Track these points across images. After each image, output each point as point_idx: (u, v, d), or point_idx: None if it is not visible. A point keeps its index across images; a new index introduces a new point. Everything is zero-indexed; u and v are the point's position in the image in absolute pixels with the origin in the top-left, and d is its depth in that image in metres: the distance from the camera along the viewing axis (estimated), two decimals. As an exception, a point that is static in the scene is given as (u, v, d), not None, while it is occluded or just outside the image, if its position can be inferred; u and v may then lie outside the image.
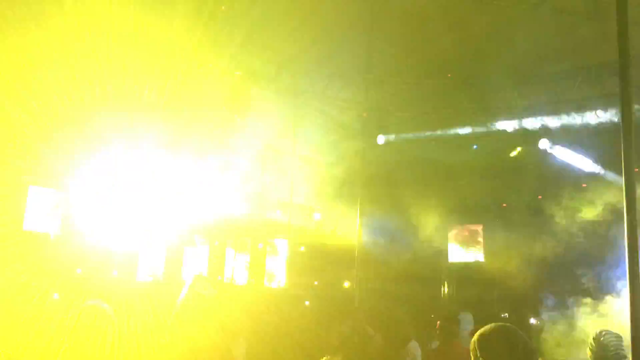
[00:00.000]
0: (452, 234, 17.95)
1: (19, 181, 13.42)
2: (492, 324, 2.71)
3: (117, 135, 13.23)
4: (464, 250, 17.61)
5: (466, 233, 17.66)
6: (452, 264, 18.19)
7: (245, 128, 13.34)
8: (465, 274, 17.96)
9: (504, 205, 15.69)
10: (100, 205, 17.69)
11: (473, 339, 2.67)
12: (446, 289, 18.39)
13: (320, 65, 10.00)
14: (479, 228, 17.21)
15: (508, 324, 2.75)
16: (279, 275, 22.82)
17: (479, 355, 2.62)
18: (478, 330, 2.72)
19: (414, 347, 6.69)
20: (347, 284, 21.86)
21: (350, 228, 18.44)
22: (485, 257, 17.02)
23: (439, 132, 13.25)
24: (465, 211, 17.40)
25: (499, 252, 16.64)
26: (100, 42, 9.04)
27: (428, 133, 13.49)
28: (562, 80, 11.89)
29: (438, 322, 5.73)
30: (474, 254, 17.34)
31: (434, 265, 18.64)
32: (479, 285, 17.35)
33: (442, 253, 18.25)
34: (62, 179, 15.08)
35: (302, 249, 21.29)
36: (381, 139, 13.59)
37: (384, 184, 16.38)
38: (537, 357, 2.63)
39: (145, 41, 8.98)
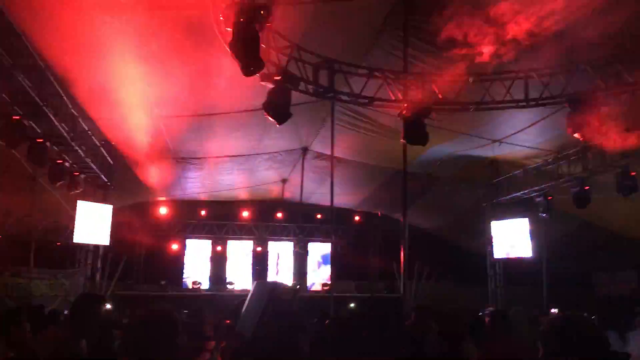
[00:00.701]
0: (496, 228, 17.72)
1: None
2: (562, 313, 2.67)
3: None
4: (509, 245, 17.35)
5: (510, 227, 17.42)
6: (498, 260, 17.95)
7: (284, 132, 13.45)
8: (512, 269, 17.76)
9: (550, 197, 15.40)
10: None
11: (547, 324, 2.63)
12: (493, 285, 18.15)
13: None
14: (525, 222, 16.92)
15: (578, 314, 2.70)
16: (324, 276, 22.93)
17: (547, 344, 2.57)
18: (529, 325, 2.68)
19: (469, 342, 6.63)
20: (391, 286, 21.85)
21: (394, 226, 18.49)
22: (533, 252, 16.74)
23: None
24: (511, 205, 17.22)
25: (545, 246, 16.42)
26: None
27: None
28: None
29: (488, 317, 5.66)
30: (519, 250, 17.06)
31: (479, 262, 18.47)
32: (527, 281, 17.14)
33: (487, 249, 18.05)
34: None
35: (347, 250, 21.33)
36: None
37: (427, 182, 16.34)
38: (609, 346, 2.56)
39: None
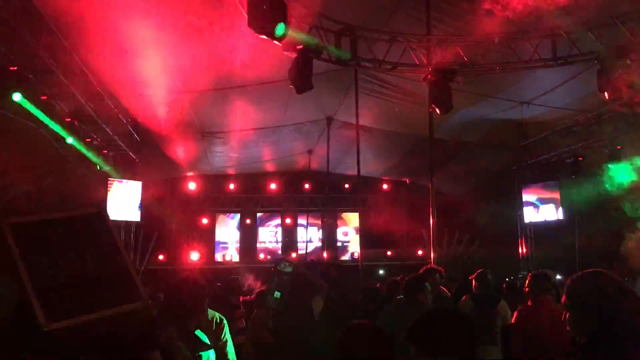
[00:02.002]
0: (525, 192, 17.51)
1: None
2: (588, 270, 2.62)
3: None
4: (540, 208, 17.16)
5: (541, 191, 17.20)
6: (529, 223, 17.78)
7: (309, 102, 13.41)
8: (542, 233, 17.57)
9: (580, 159, 15.12)
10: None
11: (570, 283, 2.59)
12: (524, 249, 18.01)
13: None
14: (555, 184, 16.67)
15: (601, 270, 2.65)
16: (352, 247, 23.08)
17: (568, 299, 2.54)
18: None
19: (504, 306, 6.65)
20: (421, 252, 21.90)
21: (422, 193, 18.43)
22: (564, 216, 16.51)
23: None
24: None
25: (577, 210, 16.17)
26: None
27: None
28: None
29: (527, 279, 5.64)
30: (550, 213, 16.86)
31: (510, 226, 18.34)
32: (558, 244, 16.95)
33: (517, 213, 17.89)
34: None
35: (375, 218, 21.33)
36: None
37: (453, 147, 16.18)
38: (635, 297, 2.50)
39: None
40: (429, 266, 6.89)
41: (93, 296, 3.67)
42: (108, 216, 4.10)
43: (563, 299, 2.63)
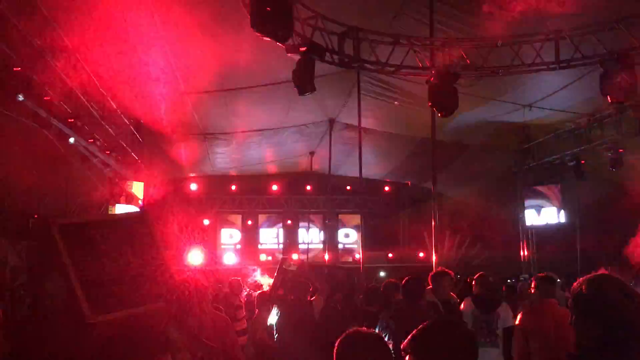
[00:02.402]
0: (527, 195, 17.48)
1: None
2: (596, 274, 2.60)
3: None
4: (541, 212, 17.13)
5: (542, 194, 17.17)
6: (530, 226, 17.74)
7: (311, 104, 13.42)
8: (544, 236, 17.54)
9: (582, 162, 15.10)
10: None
11: (578, 286, 2.57)
12: (525, 252, 17.97)
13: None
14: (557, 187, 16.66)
15: (607, 273, 2.63)
16: (353, 249, 23.08)
17: (573, 303, 2.53)
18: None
19: (505, 308, 6.64)
20: (422, 254, 21.88)
21: (424, 195, 18.42)
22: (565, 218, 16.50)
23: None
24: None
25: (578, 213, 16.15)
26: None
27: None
28: None
29: (534, 281, 5.63)
30: (551, 216, 16.84)
31: (512, 229, 18.31)
32: (560, 247, 16.93)
33: (519, 216, 17.86)
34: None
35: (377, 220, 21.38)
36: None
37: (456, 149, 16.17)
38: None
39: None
40: (439, 269, 6.76)
41: (134, 293, 3.84)
42: (149, 218, 4.31)
43: (569, 302, 2.62)
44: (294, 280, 6.19)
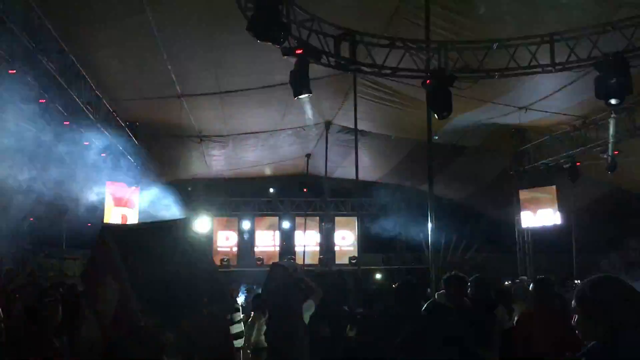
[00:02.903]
0: (523, 197, 17.50)
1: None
2: (599, 275, 2.62)
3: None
4: (537, 213, 17.16)
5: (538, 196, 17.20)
6: (526, 228, 17.76)
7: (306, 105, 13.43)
8: (540, 237, 17.57)
9: (578, 164, 15.13)
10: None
11: (582, 286, 2.58)
12: (521, 254, 17.99)
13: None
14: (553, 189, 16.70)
15: (612, 275, 2.65)
16: (349, 251, 23.04)
17: (589, 302, 2.53)
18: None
19: (501, 311, 6.64)
20: (419, 257, 21.90)
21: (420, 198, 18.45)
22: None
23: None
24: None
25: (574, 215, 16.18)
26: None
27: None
28: None
29: (532, 284, 5.63)
30: (547, 218, 16.86)
31: (508, 231, 18.34)
32: (556, 249, 16.98)
33: (515, 218, 17.88)
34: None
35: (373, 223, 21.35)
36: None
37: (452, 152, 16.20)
38: None
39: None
40: (452, 272, 6.46)
41: (184, 296, 3.95)
42: (193, 224, 4.61)
43: (573, 303, 2.63)
44: (284, 285, 6.10)
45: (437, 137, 12.91)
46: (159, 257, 4.13)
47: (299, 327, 5.89)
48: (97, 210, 15.25)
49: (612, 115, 12.50)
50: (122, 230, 4.24)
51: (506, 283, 12.91)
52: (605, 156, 13.64)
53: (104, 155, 13.51)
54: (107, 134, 12.73)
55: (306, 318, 6.07)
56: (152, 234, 4.37)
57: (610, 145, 13.32)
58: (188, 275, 4.14)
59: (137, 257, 4.02)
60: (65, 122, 11.02)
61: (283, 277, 6.21)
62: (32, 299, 6.03)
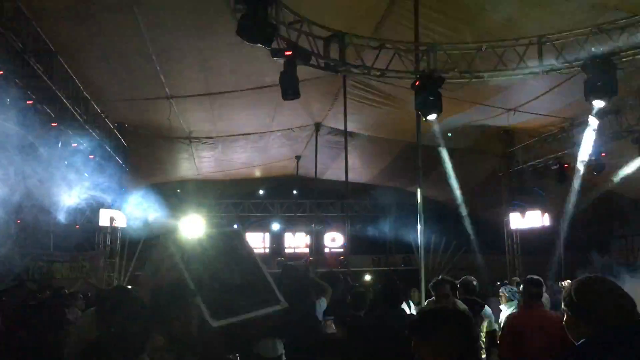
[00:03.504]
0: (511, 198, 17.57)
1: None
2: (588, 275, 2.65)
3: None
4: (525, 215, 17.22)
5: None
6: (515, 230, 17.83)
7: (297, 109, 13.42)
8: (528, 239, 17.64)
9: (566, 165, 15.21)
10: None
11: (569, 288, 2.61)
12: (510, 255, 18.05)
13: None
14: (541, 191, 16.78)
15: (600, 275, 2.68)
16: (340, 252, 23.05)
17: (576, 302, 2.55)
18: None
19: (488, 312, 6.68)
20: (408, 258, 21.97)
21: (410, 199, 18.48)
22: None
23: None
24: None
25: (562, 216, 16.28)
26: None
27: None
28: None
29: (521, 285, 5.65)
30: (535, 219, 16.94)
31: (497, 232, 18.39)
32: (544, 250, 17.05)
33: (503, 220, 17.96)
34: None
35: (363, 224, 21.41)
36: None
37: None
38: (632, 303, 2.53)
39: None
40: (439, 277, 6.51)
41: (242, 299, 4.23)
42: (243, 233, 5.16)
43: (562, 302, 2.66)
44: (297, 284, 6.27)
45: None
46: (216, 263, 4.61)
47: (317, 323, 6.24)
48: (85, 212, 15.16)
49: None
50: (182, 238, 4.81)
51: (497, 284, 12.95)
52: (592, 158, 13.74)
53: (92, 157, 13.42)
54: (95, 135, 12.67)
55: (319, 315, 6.43)
56: (207, 240, 4.79)
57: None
58: (242, 279, 4.63)
59: (197, 262, 4.44)
60: (52, 124, 10.95)
61: (297, 277, 6.66)
62: (20, 302, 6.00)
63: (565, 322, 2.57)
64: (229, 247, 4.90)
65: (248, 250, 5.11)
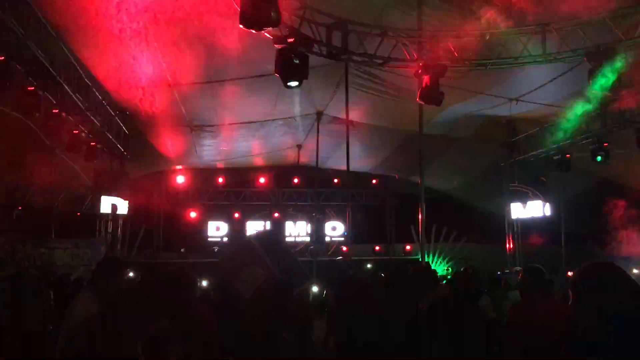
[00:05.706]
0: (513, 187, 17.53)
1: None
2: (594, 261, 2.65)
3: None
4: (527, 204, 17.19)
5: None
6: (516, 219, 17.81)
7: (299, 97, 13.39)
8: (529, 228, 17.63)
9: (568, 155, 15.17)
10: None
11: (575, 274, 2.61)
12: (511, 245, 18.05)
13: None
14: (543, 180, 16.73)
15: (608, 262, 2.68)
16: (340, 242, 23.09)
17: (571, 290, 2.56)
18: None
19: (487, 301, 6.68)
20: (409, 247, 22.00)
21: (411, 188, 18.48)
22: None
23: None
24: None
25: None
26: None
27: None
28: None
29: (520, 273, 5.62)
30: (537, 209, 16.90)
31: (498, 222, 18.39)
32: (545, 240, 17.05)
33: (504, 209, 17.95)
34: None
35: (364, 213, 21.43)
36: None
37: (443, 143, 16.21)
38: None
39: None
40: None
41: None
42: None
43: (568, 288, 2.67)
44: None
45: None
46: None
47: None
48: (86, 199, 15.20)
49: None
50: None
51: (498, 273, 12.97)
52: (594, 147, 13.72)
53: (94, 144, 13.43)
54: (97, 122, 12.66)
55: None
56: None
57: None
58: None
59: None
60: (54, 110, 10.94)
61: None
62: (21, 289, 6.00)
63: (570, 306, 2.58)
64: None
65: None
